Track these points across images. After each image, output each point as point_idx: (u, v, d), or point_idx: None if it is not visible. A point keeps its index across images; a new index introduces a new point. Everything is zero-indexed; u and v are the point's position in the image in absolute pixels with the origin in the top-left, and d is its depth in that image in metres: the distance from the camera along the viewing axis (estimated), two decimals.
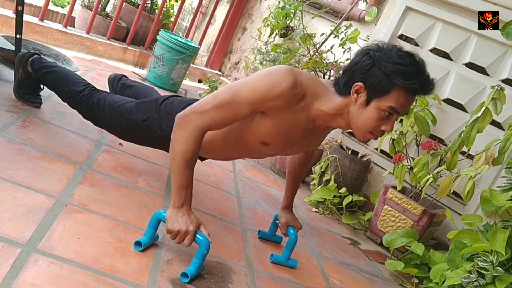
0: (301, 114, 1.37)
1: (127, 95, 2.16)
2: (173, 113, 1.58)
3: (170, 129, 1.57)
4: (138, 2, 3.93)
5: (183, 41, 3.40)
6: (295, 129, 1.42)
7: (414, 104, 2.38)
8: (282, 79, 1.30)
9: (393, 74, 1.26)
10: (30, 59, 1.90)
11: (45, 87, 2.01)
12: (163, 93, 3.17)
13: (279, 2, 2.80)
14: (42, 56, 1.94)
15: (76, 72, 1.90)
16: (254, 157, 1.74)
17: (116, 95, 1.78)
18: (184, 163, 1.34)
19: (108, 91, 1.92)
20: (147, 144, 1.72)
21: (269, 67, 1.36)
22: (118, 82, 2.19)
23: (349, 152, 2.68)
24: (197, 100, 1.65)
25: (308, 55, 2.93)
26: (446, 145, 2.47)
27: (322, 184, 2.57)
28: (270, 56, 3.43)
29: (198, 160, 1.56)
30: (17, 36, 2.05)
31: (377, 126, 1.33)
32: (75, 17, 3.79)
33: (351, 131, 1.48)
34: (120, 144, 2.04)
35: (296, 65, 3.25)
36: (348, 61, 1.36)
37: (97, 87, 1.82)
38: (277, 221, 1.78)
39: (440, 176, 2.22)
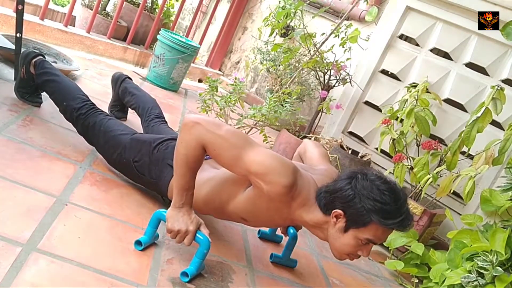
0: (284, 209, 1.39)
1: (126, 102, 2.17)
2: (164, 160, 1.58)
3: (158, 178, 1.58)
4: (139, 1, 3.93)
5: (183, 40, 3.39)
6: (275, 216, 1.44)
7: (414, 104, 2.38)
8: (286, 173, 1.30)
9: (372, 212, 1.27)
10: (34, 60, 1.89)
11: None
12: (163, 93, 3.17)
13: (279, 1, 2.79)
14: (45, 58, 1.92)
15: (77, 85, 1.87)
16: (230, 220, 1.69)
17: (113, 120, 1.75)
18: (186, 166, 1.34)
19: (106, 111, 1.87)
20: (135, 181, 1.71)
21: (281, 159, 1.34)
22: (121, 83, 2.19)
23: (349, 152, 2.68)
24: None
25: (309, 54, 2.93)
26: (446, 145, 2.47)
27: None
28: (270, 55, 3.43)
29: None
30: (18, 35, 2.05)
31: (353, 251, 1.35)
32: (75, 16, 3.79)
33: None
34: None
35: (297, 64, 3.25)
36: (332, 184, 1.37)
37: (96, 106, 1.79)
38: None
39: (440, 176, 2.23)
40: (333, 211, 1.33)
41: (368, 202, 1.28)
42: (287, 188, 1.30)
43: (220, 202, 1.47)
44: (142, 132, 1.96)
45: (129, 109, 2.24)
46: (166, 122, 2.03)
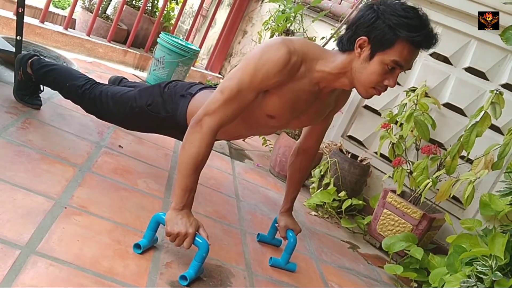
0: (304, 80, 1.38)
1: None
2: (177, 95, 1.62)
3: (175, 110, 1.61)
4: (139, 4, 3.94)
5: (183, 43, 3.40)
6: (299, 97, 1.42)
7: (413, 108, 2.38)
8: (278, 55, 1.31)
9: (397, 27, 1.26)
10: (30, 60, 1.90)
11: (45, 88, 2.01)
12: None
13: (279, 5, 2.80)
14: (41, 57, 1.94)
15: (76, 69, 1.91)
16: (262, 132, 1.74)
17: (118, 86, 1.80)
18: (194, 166, 1.34)
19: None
20: (152, 130, 1.75)
21: (262, 44, 1.37)
22: (119, 83, 2.19)
23: (349, 156, 2.68)
24: (200, 84, 1.67)
25: None
26: (445, 149, 2.48)
27: (322, 188, 2.57)
28: None
29: None
30: (18, 37, 2.05)
31: (380, 80, 1.34)
32: (75, 19, 3.80)
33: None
34: (120, 146, 2.04)
35: None
36: (352, 18, 1.38)
37: (98, 82, 1.83)
38: (276, 224, 1.78)
39: (440, 181, 2.23)
40: (357, 40, 1.32)
41: (392, 18, 1.27)
42: (289, 59, 1.31)
43: (246, 114, 1.45)
44: None
45: None
46: None
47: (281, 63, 1.32)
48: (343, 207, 2.46)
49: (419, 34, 1.27)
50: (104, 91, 1.75)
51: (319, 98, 1.49)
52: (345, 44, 1.36)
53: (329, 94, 1.51)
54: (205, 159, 1.36)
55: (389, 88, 1.39)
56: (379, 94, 1.38)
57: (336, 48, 1.42)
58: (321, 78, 1.41)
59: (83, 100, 1.79)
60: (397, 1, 1.32)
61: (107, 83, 2.23)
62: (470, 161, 2.29)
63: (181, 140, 1.42)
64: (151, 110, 1.65)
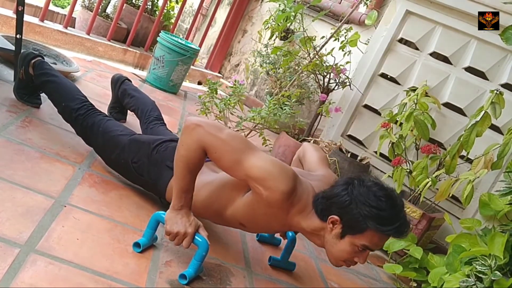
0: (282, 216, 1.38)
1: (126, 104, 2.17)
2: (163, 163, 1.58)
3: (157, 179, 1.57)
4: (139, 3, 3.93)
5: (183, 42, 3.40)
6: (273, 222, 1.42)
7: (413, 108, 2.38)
8: (285, 179, 1.29)
9: (368, 218, 1.26)
10: (33, 61, 1.88)
11: None
12: (162, 95, 3.17)
13: (279, 4, 2.80)
14: (44, 59, 1.92)
15: (76, 86, 1.87)
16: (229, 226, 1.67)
17: (112, 121, 1.74)
18: (186, 168, 1.34)
19: (105, 112, 1.86)
20: (134, 182, 1.71)
21: (281, 165, 1.33)
22: (120, 85, 2.19)
23: (348, 155, 2.68)
24: None
25: (308, 57, 2.94)
26: (445, 149, 2.48)
27: None
28: (270, 58, 3.43)
29: None
30: (18, 36, 2.05)
31: (350, 258, 1.35)
32: (75, 18, 3.79)
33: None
34: None
35: (296, 67, 3.26)
36: (329, 190, 1.37)
37: (95, 106, 1.79)
38: None
39: (439, 180, 2.23)
40: (330, 217, 1.32)
41: (364, 208, 1.27)
42: (286, 194, 1.29)
43: (219, 207, 1.46)
44: (141, 133, 1.96)
45: (128, 111, 2.24)
46: (165, 124, 2.03)
47: (281, 188, 1.29)
48: None
49: (389, 229, 1.27)
50: (96, 123, 1.71)
51: (293, 230, 1.50)
52: (319, 213, 1.36)
53: None
54: (196, 163, 1.35)
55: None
56: (348, 266, 1.40)
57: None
58: (295, 227, 1.42)
59: (75, 124, 1.75)
60: (374, 185, 1.30)
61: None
62: (469, 161, 2.29)
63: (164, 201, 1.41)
64: (135, 168, 1.61)
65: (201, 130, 1.31)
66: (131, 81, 2.25)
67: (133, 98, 2.13)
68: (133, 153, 1.63)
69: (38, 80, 1.87)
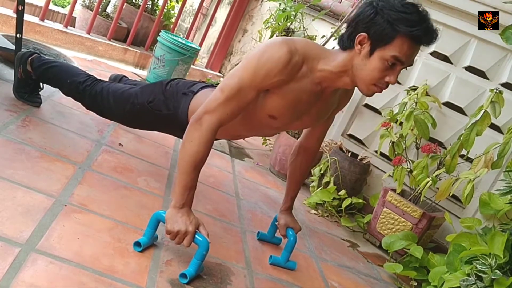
0: (306, 79, 1.38)
1: None
2: (179, 93, 1.62)
3: (177, 108, 1.60)
4: (139, 3, 3.93)
5: (183, 42, 3.40)
6: (301, 97, 1.42)
7: (414, 107, 2.38)
8: (279, 54, 1.31)
9: (396, 22, 1.26)
10: (30, 58, 1.90)
11: (44, 86, 2.01)
12: None
13: (280, 4, 2.80)
14: (42, 55, 1.93)
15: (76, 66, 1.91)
16: (263, 133, 1.73)
17: (119, 83, 1.79)
18: (193, 164, 1.34)
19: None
20: (153, 127, 1.74)
21: (263, 43, 1.37)
22: (119, 81, 2.19)
23: (349, 155, 2.68)
24: (201, 82, 1.67)
25: None
26: (445, 148, 2.48)
27: (322, 186, 2.57)
28: None
29: None
30: (18, 35, 2.05)
31: (381, 77, 1.33)
32: (75, 17, 3.79)
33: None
34: (120, 144, 2.03)
35: None
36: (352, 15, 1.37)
37: (99, 78, 1.84)
38: (276, 223, 1.78)
39: (440, 179, 2.23)
40: (357, 36, 1.31)
41: (391, 13, 1.26)
42: (290, 59, 1.31)
43: (245, 110, 1.44)
44: None
45: None
46: None
47: (282, 62, 1.32)
48: (343, 205, 2.46)
49: (418, 29, 1.26)
50: (105, 87, 1.75)
51: (321, 99, 1.48)
52: (346, 41, 1.36)
53: (331, 94, 1.50)
54: (204, 158, 1.36)
55: (390, 86, 1.39)
56: (380, 91, 1.38)
57: (337, 47, 1.42)
58: (323, 78, 1.40)
59: (84, 96, 1.78)
60: None
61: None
62: (470, 160, 2.29)
63: (181, 138, 1.42)
64: (153, 107, 1.65)
65: (206, 117, 1.33)
66: (128, 78, 2.25)
67: (134, 85, 2.14)
68: (147, 95, 1.66)
69: (39, 71, 1.88)
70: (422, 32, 1.27)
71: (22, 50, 1.95)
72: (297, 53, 1.34)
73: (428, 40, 1.30)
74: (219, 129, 1.36)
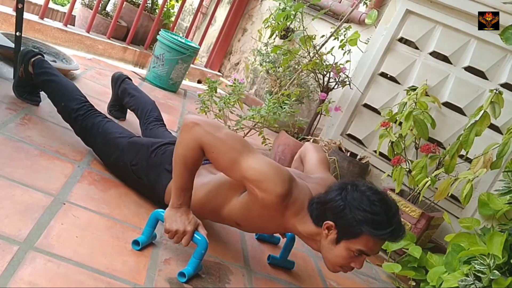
0: (277, 218, 1.37)
1: (126, 103, 2.17)
2: (162, 164, 1.57)
3: (155, 182, 1.57)
4: (139, 1, 3.93)
5: (183, 41, 3.39)
6: (268, 223, 1.42)
7: (413, 107, 2.38)
8: (281, 182, 1.29)
9: (362, 223, 1.26)
10: (32, 59, 1.88)
11: None
12: (162, 93, 3.17)
13: (279, 3, 2.80)
14: (44, 57, 1.92)
15: (75, 86, 1.86)
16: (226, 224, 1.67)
17: (111, 122, 1.73)
18: (184, 166, 1.34)
19: (104, 113, 1.84)
20: (131, 186, 1.69)
21: (278, 167, 1.33)
22: (121, 83, 2.18)
23: (348, 154, 2.68)
24: None
25: (308, 56, 2.94)
26: (444, 148, 2.48)
27: None
28: (270, 57, 3.43)
29: None
30: (17, 33, 2.05)
31: (346, 263, 1.34)
32: (75, 16, 3.79)
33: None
34: None
35: (296, 66, 3.26)
36: (323, 195, 1.36)
37: (94, 107, 1.79)
38: None
39: (438, 179, 2.23)
40: (324, 222, 1.32)
41: (358, 213, 1.26)
42: (281, 197, 1.29)
43: (216, 206, 1.46)
44: (140, 134, 1.96)
45: (128, 109, 2.24)
46: (164, 125, 2.02)
47: (277, 190, 1.28)
48: None
49: (383, 233, 1.26)
50: (96, 125, 1.70)
51: (289, 232, 1.49)
52: (314, 219, 1.35)
53: None
54: (194, 161, 1.34)
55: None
56: (345, 272, 1.39)
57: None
58: (291, 230, 1.42)
59: (75, 125, 1.75)
60: (367, 190, 1.29)
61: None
62: (469, 160, 2.29)
63: (161, 208, 1.42)
64: (134, 171, 1.61)
65: (199, 129, 1.31)
66: (131, 80, 2.25)
67: (133, 97, 2.12)
68: (132, 156, 1.62)
69: (38, 79, 1.87)
70: (387, 236, 1.28)
71: (25, 48, 1.94)
72: (290, 198, 1.31)
73: (394, 240, 1.31)
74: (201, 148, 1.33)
